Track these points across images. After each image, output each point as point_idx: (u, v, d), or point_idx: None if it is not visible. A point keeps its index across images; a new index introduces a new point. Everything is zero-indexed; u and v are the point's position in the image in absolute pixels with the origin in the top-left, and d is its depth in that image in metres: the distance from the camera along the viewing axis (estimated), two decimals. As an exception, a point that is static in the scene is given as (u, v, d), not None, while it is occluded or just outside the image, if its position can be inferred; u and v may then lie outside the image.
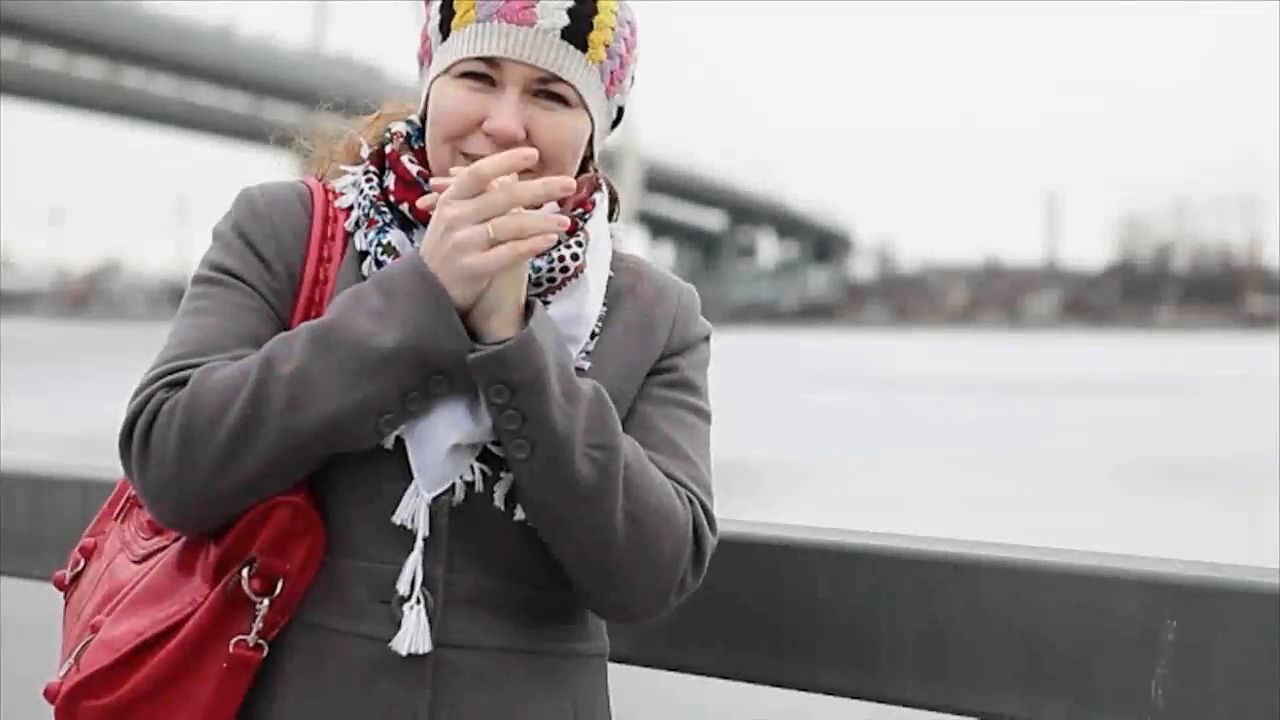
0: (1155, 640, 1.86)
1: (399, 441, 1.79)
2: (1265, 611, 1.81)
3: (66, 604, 1.95)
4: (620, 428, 1.80)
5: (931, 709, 2.03)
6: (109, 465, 2.95)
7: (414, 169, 1.86)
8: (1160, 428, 27.20)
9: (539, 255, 1.79)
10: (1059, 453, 22.48)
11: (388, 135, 1.91)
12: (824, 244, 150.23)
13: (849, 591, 2.06)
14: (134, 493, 1.93)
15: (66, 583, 1.96)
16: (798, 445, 23.31)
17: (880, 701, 2.05)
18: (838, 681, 2.08)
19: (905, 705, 2.04)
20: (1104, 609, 1.89)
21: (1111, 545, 2.11)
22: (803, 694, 2.13)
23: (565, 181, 1.76)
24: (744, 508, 2.20)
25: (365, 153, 1.92)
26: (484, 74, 1.82)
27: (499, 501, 1.81)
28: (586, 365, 1.86)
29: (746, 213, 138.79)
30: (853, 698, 2.08)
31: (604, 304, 1.90)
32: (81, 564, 1.96)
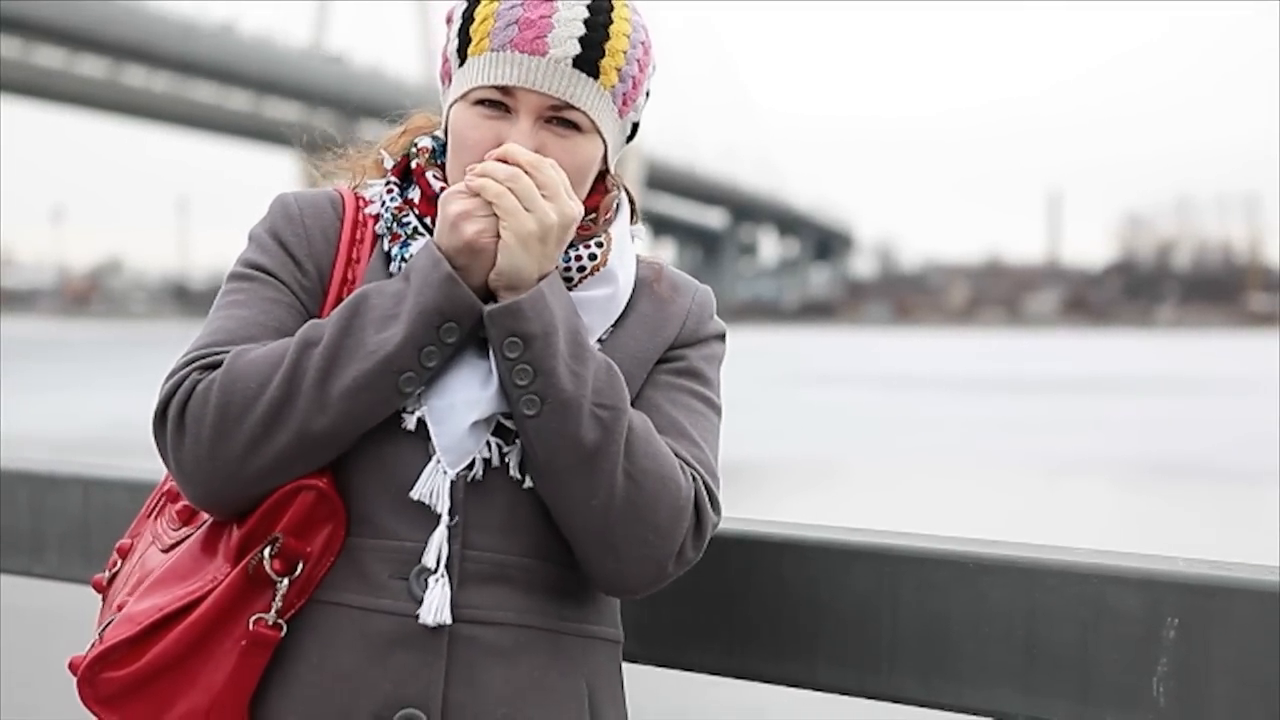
0: (1156, 638, 1.86)
1: (420, 424, 1.85)
2: (1265, 610, 1.81)
3: (103, 602, 2.00)
4: (627, 393, 1.86)
5: (932, 707, 2.03)
6: (110, 464, 2.96)
7: (437, 185, 1.94)
8: (1161, 426, 27.19)
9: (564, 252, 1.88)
10: (1059, 451, 22.47)
11: (413, 150, 1.99)
12: (825, 242, 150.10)
13: (850, 590, 2.07)
14: (168, 489, 2.01)
15: (105, 584, 2.02)
16: (798, 444, 23.30)
17: (881, 700, 2.06)
18: (839, 680, 2.08)
19: (906, 703, 2.05)
20: (1105, 607, 1.89)
21: (1112, 543, 2.11)
22: (804, 692, 2.13)
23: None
24: (745, 507, 2.20)
25: (388, 164, 2.00)
26: (499, 101, 1.89)
27: (514, 470, 1.86)
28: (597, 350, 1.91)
29: (748, 211, 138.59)
30: (854, 696, 2.08)
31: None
32: (118, 564, 2.02)
